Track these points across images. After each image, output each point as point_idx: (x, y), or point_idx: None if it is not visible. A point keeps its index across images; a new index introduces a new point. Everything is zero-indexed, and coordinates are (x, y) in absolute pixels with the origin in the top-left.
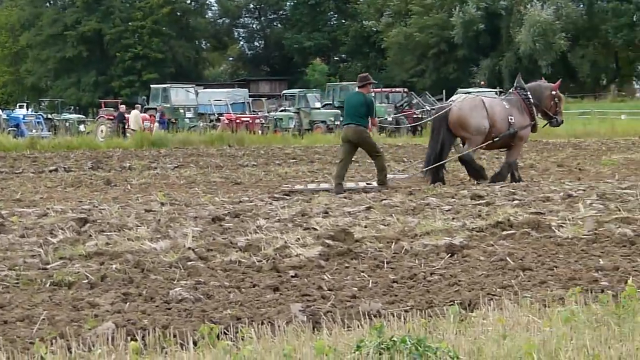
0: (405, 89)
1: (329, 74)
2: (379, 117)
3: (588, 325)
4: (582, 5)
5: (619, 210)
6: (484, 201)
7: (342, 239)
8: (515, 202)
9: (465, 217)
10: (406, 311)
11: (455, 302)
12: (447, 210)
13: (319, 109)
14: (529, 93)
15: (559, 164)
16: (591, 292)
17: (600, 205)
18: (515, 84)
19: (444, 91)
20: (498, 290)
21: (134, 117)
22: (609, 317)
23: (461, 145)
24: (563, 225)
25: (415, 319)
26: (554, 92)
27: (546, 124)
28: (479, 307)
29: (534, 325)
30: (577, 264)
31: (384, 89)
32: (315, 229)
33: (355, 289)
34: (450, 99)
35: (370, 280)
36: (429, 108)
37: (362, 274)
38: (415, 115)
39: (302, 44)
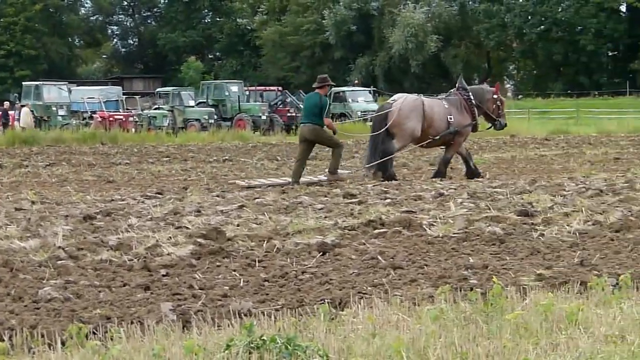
0: (280, 88)
1: (203, 71)
2: (252, 115)
3: (457, 323)
4: (454, 7)
5: (489, 209)
6: (357, 200)
7: (214, 237)
8: (388, 200)
9: (337, 215)
10: (277, 310)
11: (326, 300)
12: (319, 209)
13: (193, 107)
14: (470, 94)
15: (432, 162)
16: (460, 290)
17: (471, 204)
18: (457, 85)
19: None
20: (369, 288)
21: (25, 114)
22: (477, 315)
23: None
24: (434, 223)
25: (285, 317)
26: (495, 96)
27: (490, 127)
28: (350, 306)
29: (403, 324)
30: (447, 262)
31: (258, 87)
32: (187, 228)
33: (227, 287)
34: (392, 98)
35: (242, 279)
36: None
37: (233, 272)
38: (289, 114)
39: (176, 41)
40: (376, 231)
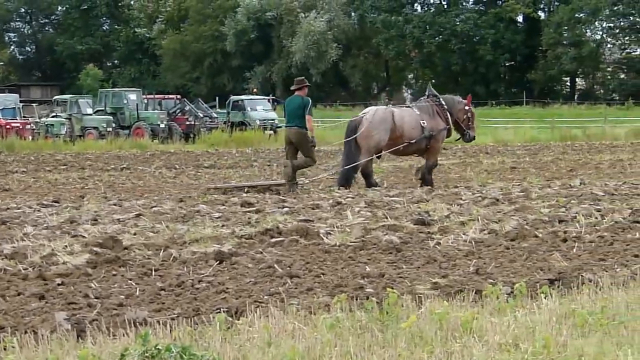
0: (179, 96)
1: (102, 79)
2: (150, 124)
3: (352, 332)
4: (353, 17)
5: (386, 218)
6: (254, 208)
7: (111, 246)
8: (285, 209)
9: (234, 224)
10: (173, 319)
11: (222, 309)
12: (217, 218)
13: (91, 115)
14: (441, 100)
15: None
16: (356, 299)
17: (368, 212)
18: (427, 92)
19: (217, 98)
20: (265, 297)
21: None
22: (373, 324)
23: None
24: (331, 232)
25: (181, 326)
26: (467, 107)
27: (459, 139)
28: (246, 315)
29: (299, 333)
30: (343, 271)
31: (156, 96)
32: (83, 237)
33: (122, 296)
34: (363, 112)
35: (138, 288)
36: (201, 115)
37: (129, 281)
38: (188, 122)
39: (74, 49)
40: (273, 240)
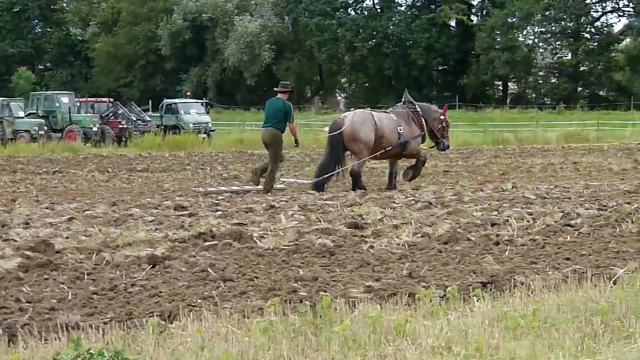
0: (111, 99)
1: (34, 82)
2: (83, 127)
3: (286, 335)
4: (287, 19)
5: (320, 221)
6: (187, 212)
7: (43, 250)
8: (219, 213)
9: (168, 227)
10: (105, 323)
11: (155, 313)
12: (150, 221)
13: (22, 118)
14: (417, 107)
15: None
16: (290, 303)
17: (302, 216)
18: (403, 99)
19: (150, 101)
20: (199, 301)
21: None
22: (306, 327)
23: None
24: (265, 236)
25: (114, 331)
26: (442, 117)
27: (433, 146)
28: (179, 319)
29: (232, 336)
30: (277, 275)
31: (89, 99)
32: (15, 240)
33: (55, 301)
34: (343, 114)
35: (70, 292)
36: (134, 118)
37: (61, 285)
38: (121, 126)
39: (5, 51)
40: (207, 243)
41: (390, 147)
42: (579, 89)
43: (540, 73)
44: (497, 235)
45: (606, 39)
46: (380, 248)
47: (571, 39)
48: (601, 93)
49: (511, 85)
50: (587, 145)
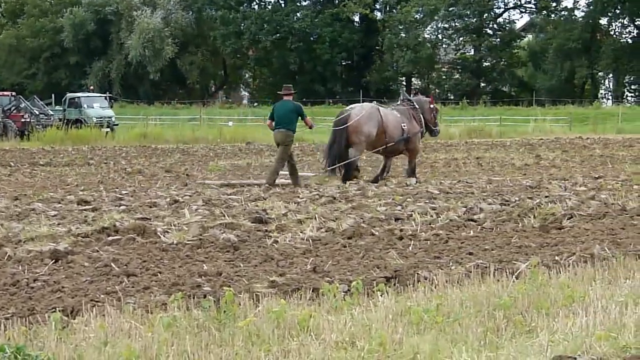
0: (13, 93)
1: None
2: None
3: (189, 330)
4: (191, 13)
5: (224, 216)
6: (91, 207)
7: None
8: (122, 207)
9: (71, 222)
10: (7, 319)
11: (58, 309)
12: (52, 216)
13: None
14: (415, 104)
15: (167, 169)
16: (194, 298)
17: (206, 210)
18: (401, 97)
19: (53, 95)
20: (102, 296)
21: None
22: (210, 323)
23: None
24: (168, 230)
25: (15, 326)
26: (432, 105)
27: (425, 133)
28: (82, 314)
29: (135, 332)
30: (181, 270)
31: None
32: None
33: None
34: (350, 106)
35: None
36: (37, 112)
37: None
38: (23, 120)
39: None
40: (110, 238)
41: (392, 143)
42: (482, 84)
43: (444, 69)
44: (401, 230)
45: (508, 35)
46: (284, 243)
47: (474, 35)
48: (504, 89)
49: (415, 81)
50: (490, 141)
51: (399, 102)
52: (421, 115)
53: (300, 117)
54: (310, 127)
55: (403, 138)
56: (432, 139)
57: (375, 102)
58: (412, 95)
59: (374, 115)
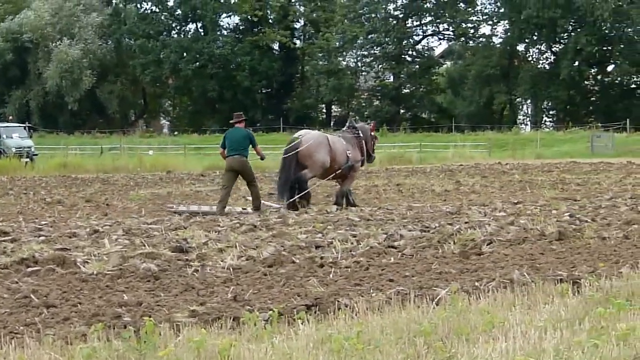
0: None
1: None
2: None
3: None
4: (110, 42)
5: (144, 245)
6: (10, 237)
7: None
8: (42, 238)
9: None
10: None
11: None
12: None
13: None
14: (360, 132)
15: (87, 199)
16: (114, 328)
17: (126, 240)
18: (347, 124)
19: None
20: (21, 328)
21: None
22: (130, 353)
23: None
24: (88, 261)
25: None
26: (372, 133)
27: (365, 161)
28: (1, 346)
29: None
30: (101, 300)
31: None
32: None
33: None
34: (298, 133)
35: None
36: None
37: None
38: None
39: None
40: (29, 269)
41: (340, 170)
42: (402, 111)
43: (363, 96)
44: (322, 258)
45: (427, 62)
46: (205, 272)
47: (393, 62)
48: (423, 115)
49: (335, 108)
50: (410, 167)
51: (345, 129)
52: (363, 144)
53: (251, 145)
54: (262, 158)
55: (348, 165)
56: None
57: (322, 130)
58: (356, 123)
59: (324, 142)
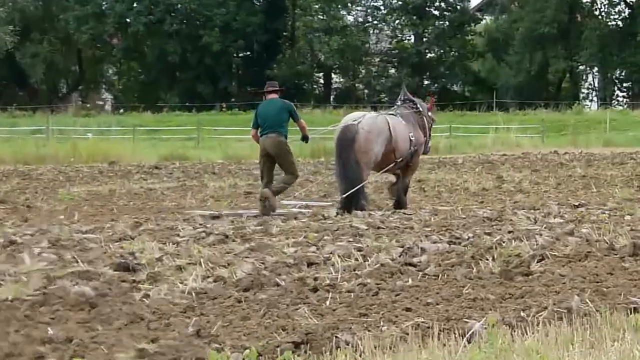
0: None
1: None
2: None
3: None
4: None
5: (77, 262)
6: None
7: None
8: None
9: None
10: None
11: None
12: None
13: None
14: (419, 106)
15: (1, 199)
16: None
17: (53, 255)
18: (401, 96)
19: None
20: None
21: None
22: None
23: None
24: (2, 282)
25: None
26: (430, 113)
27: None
28: None
29: None
30: (18, 335)
31: None
32: None
33: None
34: (351, 118)
35: None
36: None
37: None
38: None
39: None
40: None
41: (401, 159)
42: (426, 82)
43: (375, 62)
44: (316, 279)
45: (460, 17)
46: (158, 298)
47: (415, 17)
48: (455, 88)
49: (336, 78)
50: (436, 158)
51: (399, 103)
52: (425, 121)
53: (292, 119)
54: (304, 138)
55: (411, 152)
56: None
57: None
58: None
59: (384, 131)
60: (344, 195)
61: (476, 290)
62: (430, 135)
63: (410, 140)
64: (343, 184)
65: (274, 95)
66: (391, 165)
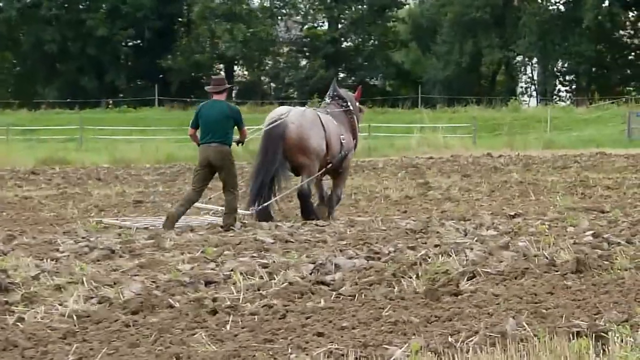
0: None
1: None
2: None
3: None
4: None
5: None
6: None
7: None
8: None
9: None
10: None
11: None
12: None
13: None
14: (349, 103)
15: None
16: None
17: None
18: (331, 91)
19: None
20: None
21: None
22: None
23: None
24: None
25: None
26: (357, 104)
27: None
28: None
29: None
30: None
31: None
32: None
33: None
34: (278, 110)
35: None
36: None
37: None
38: None
39: None
40: None
41: (331, 164)
42: (341, 75)
43: (284, 52)
44: (215, 300)
45: (380, 1)
46: (34, 321)
47: (329, 1)
48: (374, 82)
49: (239, 71)
50: (353, 161)
51: (328, 100)
52: (355, 121)
53: (237, 127)
54: (240, 143)
55: (341, 156)
56: None
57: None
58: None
59: (317, 124)
60: (264, 205)
61: (398, 313)
62: (357, 134)
63: (342, 143)
64: (256, 186)
65: (218, 97)
66: (322, 170)
